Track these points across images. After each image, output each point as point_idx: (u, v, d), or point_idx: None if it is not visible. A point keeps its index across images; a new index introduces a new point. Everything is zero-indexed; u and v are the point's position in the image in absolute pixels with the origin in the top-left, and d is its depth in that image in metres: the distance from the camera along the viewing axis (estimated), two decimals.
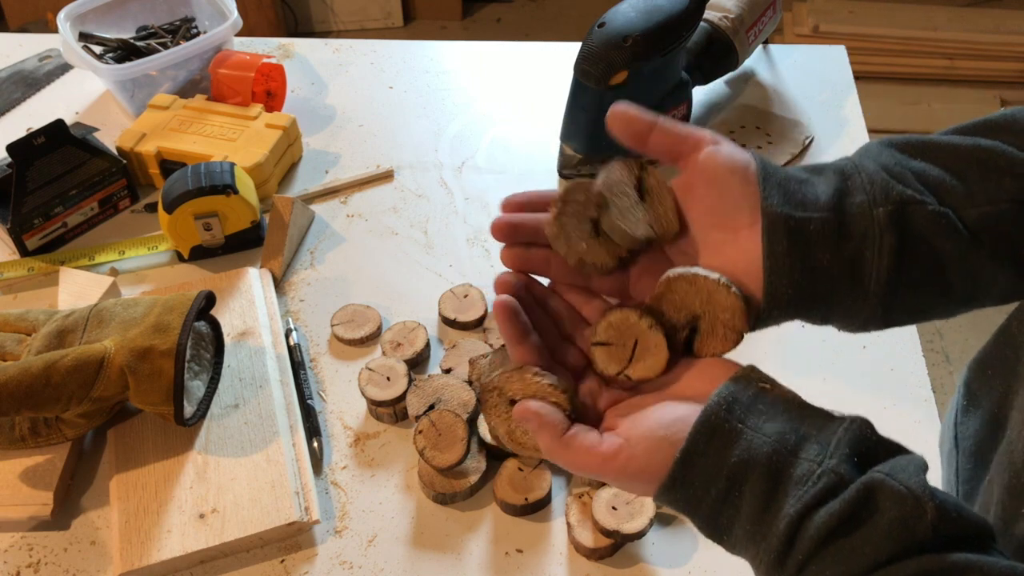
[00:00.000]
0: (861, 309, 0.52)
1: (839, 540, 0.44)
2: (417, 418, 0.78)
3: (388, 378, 0.82)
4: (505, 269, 0.57)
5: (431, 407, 0.79)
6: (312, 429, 0.81)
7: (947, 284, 0.52)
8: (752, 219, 0.51)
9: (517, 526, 0.75)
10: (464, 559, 0.74)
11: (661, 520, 0.75)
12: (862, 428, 0.47)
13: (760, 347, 0.87)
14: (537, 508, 0.76)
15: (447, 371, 0.84)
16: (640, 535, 0.71)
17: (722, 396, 0.49)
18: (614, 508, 0.72)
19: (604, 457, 0.49)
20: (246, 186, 0.95)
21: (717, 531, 0.48)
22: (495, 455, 0.78)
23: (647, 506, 0.72)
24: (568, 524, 0.73)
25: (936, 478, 0.71)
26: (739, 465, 0.47)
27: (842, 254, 0.50)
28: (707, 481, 0.47)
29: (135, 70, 1.08)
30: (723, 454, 0.47)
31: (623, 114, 0.54)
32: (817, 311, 0.52)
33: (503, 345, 0.82)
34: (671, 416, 0.50)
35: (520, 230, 0.57)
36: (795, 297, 0.51)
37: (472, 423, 0.79)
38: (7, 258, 0.99)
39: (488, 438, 0.77)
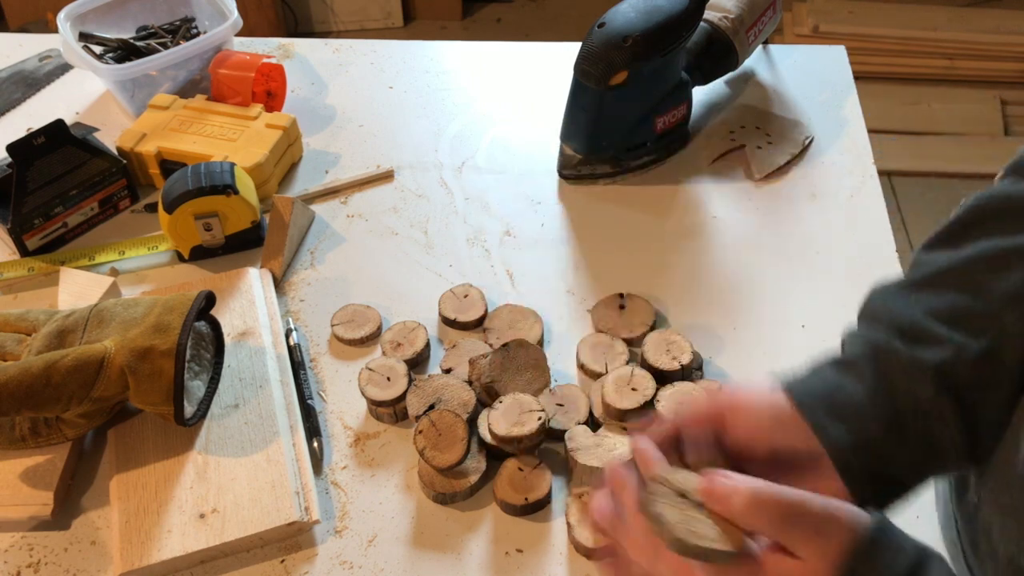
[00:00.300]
0: (954, 467, 0.53)
1: None
2: (417, 418, 0.78)
3: (388, 378, 0.82)
4: None
5: (431, 407, 0.79)
6: (312, 429, 0.81)
7: (1013, 395, 0.53)
8: (813, 452, 0.52)
9: (517, 526, 0.75)
10: (464, 559, 0.74)
11: None
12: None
13: (760, 349, 0.87)
14: (537, 508, 0.76)
15: (447, 371, 0.84)
16: None
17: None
18: None
19: (793, 492, 0.48)
20: (246, 186, 0.95)
21: None
22: (495, 455, 0.78)
23: None
24: (568, 524, 0.73)
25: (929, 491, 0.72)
26: (919, 550, 0.48)
27: (914, 448, 0.51)
28: (894, 558, 0.47)
29: (135, 70, 1.08)
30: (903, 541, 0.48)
31: (650, 454, 0.54)
32: (917, 490, 0.54)
33: (504, 344, 0.82)
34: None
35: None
36: (892, 500, 0.53)
37: (472, 423, 0.79)
38: (7, 258, 0.99)
39: (488, 438, 0.77)
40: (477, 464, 0.77)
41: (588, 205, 1.03)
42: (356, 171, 1.08)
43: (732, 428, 0.55)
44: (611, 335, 0.86)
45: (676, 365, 0.81)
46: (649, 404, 0.78)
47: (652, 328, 0.87)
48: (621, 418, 0.78)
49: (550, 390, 0.82)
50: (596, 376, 0.83)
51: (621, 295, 0.89)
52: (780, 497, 0.48)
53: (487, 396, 0.80)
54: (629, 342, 0.85)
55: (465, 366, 0.83)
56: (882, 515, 0.48)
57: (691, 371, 0.83)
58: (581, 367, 0.85)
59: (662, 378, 0.81)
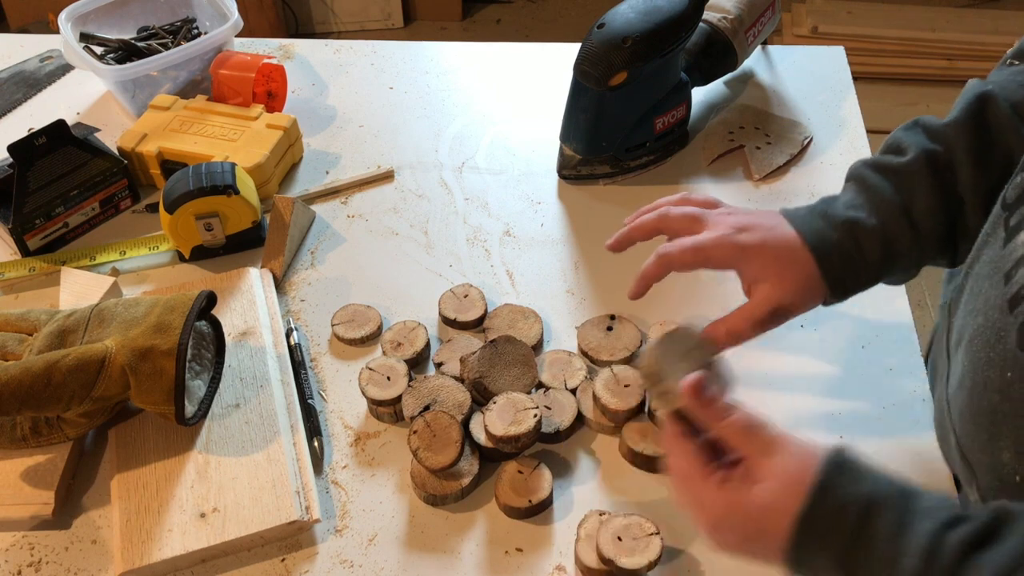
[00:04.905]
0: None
1: (977, 552, 0.48)
2: (412, 419, 0.78)
3: (388, 378, 0.82)
4: None
5: (426, 408, 0.79)
6: (313, 428, 0.81)
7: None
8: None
9: (517, 525, 0.76)
10: (464, 558, 0.74)
11: (667, 554, 0.72)
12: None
13: (759, 349, 0.87)
14: (540, 510, 0.76)
15: (439, 365, 0.85)
16: (633, 574, 0.69)
17: (837, 449, 0.55)
18: (619, 539, 0.70)
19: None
20: (247, 186, 0.95)
21: (849, 568, 0.52)
22: (488, 457, 0.78)
23: (651, 547, 0.69)
24: (577, 535, 0.72)
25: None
26: (869, 497, 0.52)
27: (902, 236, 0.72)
28: (841, 511, 0.52)
29: (136, 71, 1.08)
30: (853, 488, 0.52)
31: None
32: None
33: (492, 341, 0.82)
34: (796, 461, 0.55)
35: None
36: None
37: (466, 425, 0.79)
38: (8, 258, 0.99)
39: (482, 440, 0.77)
40: (470, 466, 0.77)
41: (588, 205, 1.03)
42: (356, 171, 1.08)
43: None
44: (593, 353, 0.85)
45: None
46: (642, 404, 0.79)
47: (633, 355, 0.85)
48: (615, 418, 0.79)
49: (542, 392, 0.82)
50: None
51: (612, 316, 0.88)
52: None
53: (476, 392, 0.81)
54: (609, 364, 0.84)
55: (456, 361, 0.84)
56: (834, 459, 0.54)
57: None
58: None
59: None
